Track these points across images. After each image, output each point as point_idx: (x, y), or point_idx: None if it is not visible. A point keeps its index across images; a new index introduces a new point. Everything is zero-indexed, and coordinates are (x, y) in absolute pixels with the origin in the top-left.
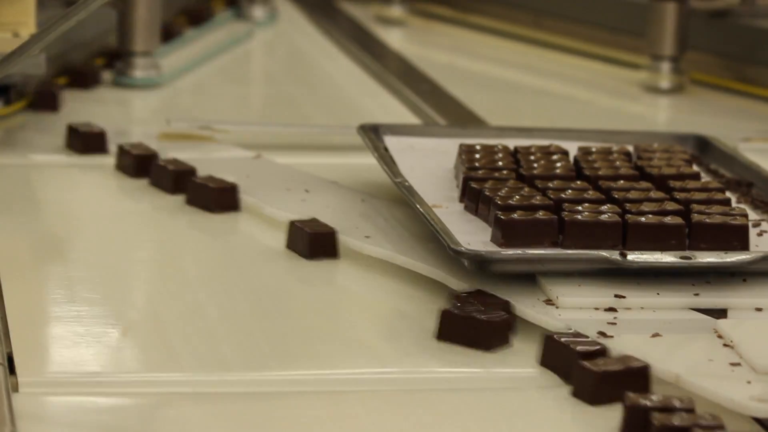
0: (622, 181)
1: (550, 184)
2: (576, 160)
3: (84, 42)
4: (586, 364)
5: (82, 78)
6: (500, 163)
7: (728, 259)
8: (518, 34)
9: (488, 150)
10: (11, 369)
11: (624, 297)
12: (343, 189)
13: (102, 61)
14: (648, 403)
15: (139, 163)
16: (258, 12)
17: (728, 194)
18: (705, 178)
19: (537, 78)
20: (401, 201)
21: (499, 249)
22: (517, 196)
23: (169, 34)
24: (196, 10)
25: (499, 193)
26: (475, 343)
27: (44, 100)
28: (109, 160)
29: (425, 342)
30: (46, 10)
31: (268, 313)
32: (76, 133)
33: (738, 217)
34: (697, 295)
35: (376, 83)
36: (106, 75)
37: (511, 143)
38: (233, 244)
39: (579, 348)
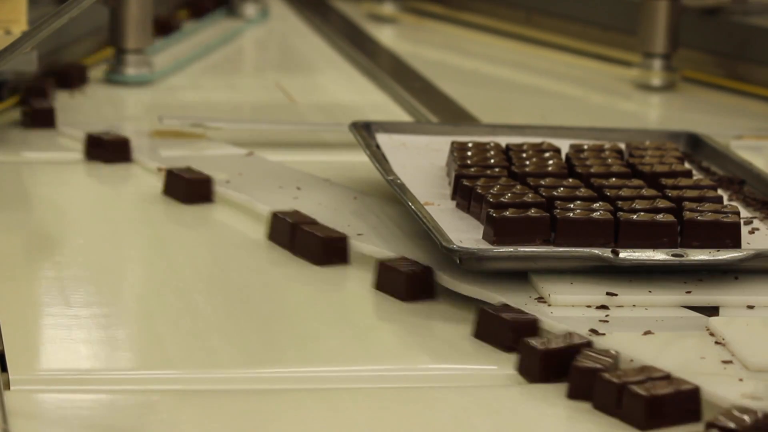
0: (614, 179)
1: (542, 182)
2: (568, 157)
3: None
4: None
5: (69, 78)
6: (492, 161)
7: (720, 257)
8: (510, 31)
9: (480, 147)
10: (3, 367)
11: (616, 295)
12: (335, 186)
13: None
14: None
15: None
16: (249, 9)
17: (720, 192)
18: (697, 175)
19: (529, 75)
20: (393, 198)
21: (491, 246)
22: (509, 194)
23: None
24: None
25: (491, 191)
26: None
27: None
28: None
29: (417, 339)
30: (38, 8)
31: (259, 309)
32: (99, 142)
33: (730, 215)
34: (689, 292)
35: (368, 81)
36: (98, 72)
37: (503, 141)
38: (225, 242)
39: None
